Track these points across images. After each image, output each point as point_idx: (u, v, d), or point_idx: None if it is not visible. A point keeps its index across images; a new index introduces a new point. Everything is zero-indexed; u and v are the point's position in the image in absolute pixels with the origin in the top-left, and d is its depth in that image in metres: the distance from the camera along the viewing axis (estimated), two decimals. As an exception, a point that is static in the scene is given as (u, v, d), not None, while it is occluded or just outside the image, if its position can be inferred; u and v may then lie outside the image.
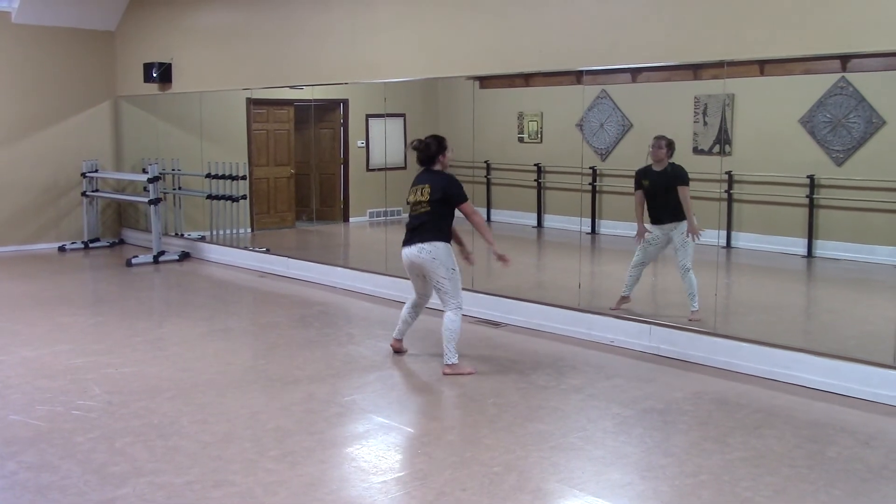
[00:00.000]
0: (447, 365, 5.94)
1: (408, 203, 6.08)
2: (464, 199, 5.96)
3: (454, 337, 5.92)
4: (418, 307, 6.31)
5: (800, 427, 4.96)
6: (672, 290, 7.52)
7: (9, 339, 6.92)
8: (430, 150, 6.02)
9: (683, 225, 6.93)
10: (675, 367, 6.16)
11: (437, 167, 6.03)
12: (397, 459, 4.55)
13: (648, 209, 7.12)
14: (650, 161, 7.05)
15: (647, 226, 7.16)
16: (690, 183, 6.98)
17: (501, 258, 6.02)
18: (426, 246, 5.89)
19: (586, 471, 4.33)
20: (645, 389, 5.65)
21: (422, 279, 6.12)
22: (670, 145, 6.97)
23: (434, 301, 6.24)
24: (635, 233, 7.20)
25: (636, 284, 7.27)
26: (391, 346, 6.44)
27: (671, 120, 9.02)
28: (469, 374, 5.91)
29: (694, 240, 6.91)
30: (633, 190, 7.23)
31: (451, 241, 6.05)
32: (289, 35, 9.60)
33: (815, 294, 8.75)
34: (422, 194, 5.94)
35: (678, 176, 6.92)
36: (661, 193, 6.98)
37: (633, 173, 7.23)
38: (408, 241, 6.00)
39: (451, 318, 5.93)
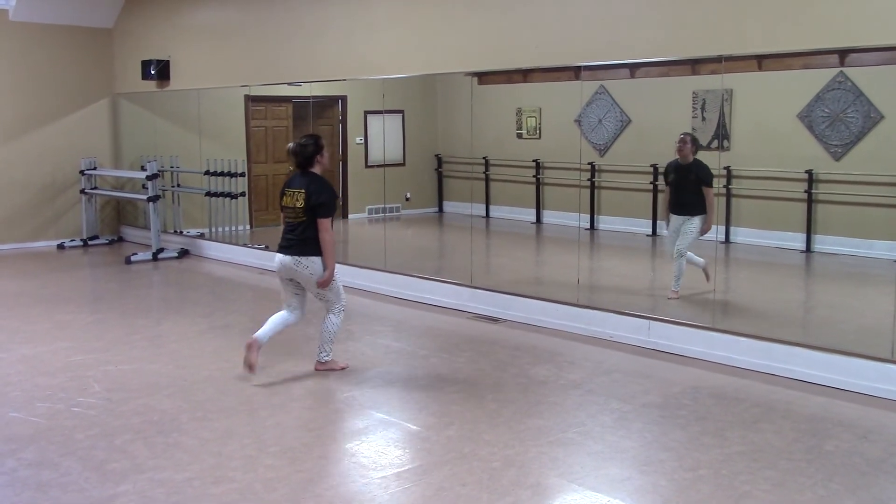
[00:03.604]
0: (320, 362, 5.93)
1: (281, 207, 5.77)
2: (327, 214, 5.62)
3: (332, 338, 5.90)
4: (289, 324, 5.84)
5: (798, 421, 4.97)
6: (671, 287, 7.52)
7: (8, 337, 6.92)
8: (306, 150, 5.73)
9: (695, 219, 7.36)
10: (674, 362, 6.17)
11: (315, 169, 5.77)
12: (396, 455, 4.55)
13: (671, 199, 7.55)
14: (677, 156, 7.47)
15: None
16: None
17: (326, 280, 5.66)
18: (303, 260, 5.62)
19: (585, 465, 4.34)
20: (643, 384, 5.66)
21: (294, 286, 5.79)
22: (695, 141, 7.54)
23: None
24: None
25: (682, 276, 7.46)
26: (246, 345, 5.76)
27: (670, 115, 9.03)
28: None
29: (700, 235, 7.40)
30: (633, 186, 7.45)
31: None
32: (287, 31, 9.59)
33: (814, 289, 8.76)
34: (297, 200, 5.65)
35: (701, 175, 7.37)
36: (684, 187, 7.44)
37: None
38: (284, 249, 5.69)
39: (332, 321, 5.86)
